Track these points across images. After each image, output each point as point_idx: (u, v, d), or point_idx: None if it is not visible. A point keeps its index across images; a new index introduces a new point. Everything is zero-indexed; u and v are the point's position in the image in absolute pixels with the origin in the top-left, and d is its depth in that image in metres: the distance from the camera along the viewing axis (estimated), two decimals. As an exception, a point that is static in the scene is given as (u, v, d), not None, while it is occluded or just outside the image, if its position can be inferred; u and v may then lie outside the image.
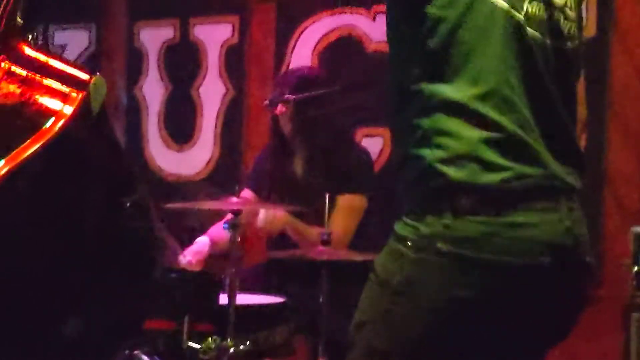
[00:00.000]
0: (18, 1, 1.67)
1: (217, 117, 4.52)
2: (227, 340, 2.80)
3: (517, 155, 1.57)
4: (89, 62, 4.85)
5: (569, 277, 1.64)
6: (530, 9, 1.61)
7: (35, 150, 1.50)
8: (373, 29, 4.14)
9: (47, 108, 1.56)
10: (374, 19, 4.14)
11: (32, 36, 1.69)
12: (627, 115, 3.71)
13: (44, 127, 1.52)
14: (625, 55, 3.69)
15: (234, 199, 3.04)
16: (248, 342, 2.88)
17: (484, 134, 1.55)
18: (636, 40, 3.69)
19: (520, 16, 1.60)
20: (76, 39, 4.88)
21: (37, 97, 1.58)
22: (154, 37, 4.71)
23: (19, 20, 1.66)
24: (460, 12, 1.59)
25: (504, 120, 1.56)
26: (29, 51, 1.66)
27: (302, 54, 4.29)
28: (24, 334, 1.53)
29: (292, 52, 4.35)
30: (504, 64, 1.58)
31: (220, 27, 4.56)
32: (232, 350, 2.81)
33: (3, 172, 1.48)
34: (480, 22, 1.58)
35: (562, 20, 1.66)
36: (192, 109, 4.55)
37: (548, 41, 1.64)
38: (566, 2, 1.67)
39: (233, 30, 4.52)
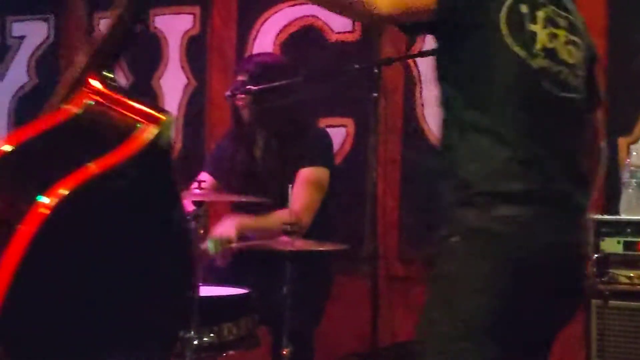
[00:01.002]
0: (115, 42, 1.92)
1: (179, 108, 4.50)
2: (190, 332, 2.79)
3: (536, 173, 1.93)
4: (48, 54, 4.79)
5: (566, 279, 2.00)
6: (543, 63, 1.98)
7: (120, 162, 1.70)
8: (334, 20, 4.14)
9: (128, 136, 1.75)
10: (336, 9, 4.13)
11: (112, 76, 1.88)
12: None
13: (120, 150, 1.72)
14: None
15: (197, 190, 3.03)
16: (212, 334, 2.87)
17: (511, 154, 1.91)
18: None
19: (536, 67, 1.96)
20: (35, 31, 4.82)
21: (116, 125, 1.78)
22: (113, 28, 4.65)
23: (108, 59, 1.89)
24: (492, 65, 1.95)
25: (527, 148, 1.93)
26: (105, 90, 1.84)
27: (264, 44, 4.28)
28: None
29: (253, 42, 4.33)
30: (524, 109, 1.94)
31: (181, 17, 4.53)
32: (195, 342, 2.80)
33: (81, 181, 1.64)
34: (510, 73, 1.94)
35: (570, 77, 2.03)
36: (154, 100, 4.52)
37: (558, 92, 1.99)
38: (576, 63, 2.05)
39: (194, 21, 4.50)
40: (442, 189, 2.00)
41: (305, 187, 3.35)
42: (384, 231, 3.89)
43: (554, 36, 2.02)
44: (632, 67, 3.67)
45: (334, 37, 4.16)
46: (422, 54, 3.70)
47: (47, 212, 1.58)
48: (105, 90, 1.82)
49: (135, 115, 1.77)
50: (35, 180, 1.67)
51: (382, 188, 3.89)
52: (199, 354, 2.84)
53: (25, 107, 4.81)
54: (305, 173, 3.38)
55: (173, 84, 4.52)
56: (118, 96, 1.83)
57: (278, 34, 4.28)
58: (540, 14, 2.01)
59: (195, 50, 4.47)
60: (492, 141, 1.92)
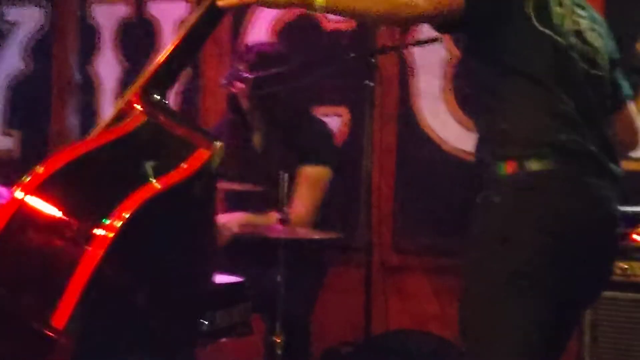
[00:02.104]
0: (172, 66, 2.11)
1: (174, 95, 4.48)
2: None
3: (569, 130, 2.03)
4: (42, 40, 4.77)
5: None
6: (572, 41, 2.12)
7: (183, 179, 1.91)
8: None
9: (186, 157, 1.94)
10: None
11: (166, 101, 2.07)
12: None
13: (183, 166, 1.93)
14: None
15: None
16: (206, 322, 2.86)
17: (547, 109, 2.04)
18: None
19: (566, 44, 2.09)
20: (28, 17, 4.79)
21: (175, 146, 1.96)
22: (108, 15, 4.64)
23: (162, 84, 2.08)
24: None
25: (561, 108, 2.05)
26: (160, 111, 2.04)
27: (259, 32, 4.26)
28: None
29: (248, 30, 4.32)
30: (559, 81, 2.06)
31: (176, 4, 4.51)
32: (189, 329, 2.79)
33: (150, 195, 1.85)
34: (543, 52, 2.07)
35: (598, 57, 2.17)
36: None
37: (589, 68, 2.13)
38: (600, 48, 2.19)
39: (188, 8, 4.47)
40: (483, 154, 2.10)
41: (308, 187, 3.34)
42: (379, 220, 3.89)
43: (578, 22, 2.17)
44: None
45: (330, 26, 4.15)
46: (418, 42, 3.70)
47: (120, 226, 1.77)
48: (161, 112, 2.02)
49: (192, 139, 1.97)
50: (101, 195, 1.87)
51: (377, 177, 3.88)
52: (192, 341, 2.83)
53: (19, 93, 4.80)
54: (308, 172, 3.37)
55: (167, 71, 4.50)
56: (173, 118, 2.03)
57: (274, 22, 4.26)
58: (565, 1, 2.17)
59: (190, 38, 4.45)
60: (528, 102, 2.04)
